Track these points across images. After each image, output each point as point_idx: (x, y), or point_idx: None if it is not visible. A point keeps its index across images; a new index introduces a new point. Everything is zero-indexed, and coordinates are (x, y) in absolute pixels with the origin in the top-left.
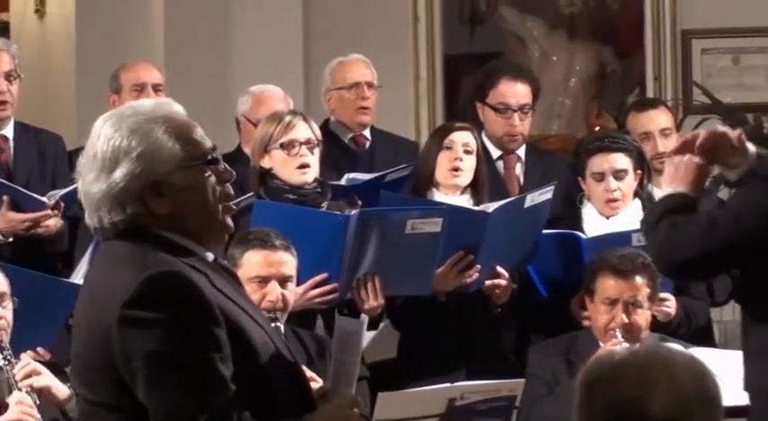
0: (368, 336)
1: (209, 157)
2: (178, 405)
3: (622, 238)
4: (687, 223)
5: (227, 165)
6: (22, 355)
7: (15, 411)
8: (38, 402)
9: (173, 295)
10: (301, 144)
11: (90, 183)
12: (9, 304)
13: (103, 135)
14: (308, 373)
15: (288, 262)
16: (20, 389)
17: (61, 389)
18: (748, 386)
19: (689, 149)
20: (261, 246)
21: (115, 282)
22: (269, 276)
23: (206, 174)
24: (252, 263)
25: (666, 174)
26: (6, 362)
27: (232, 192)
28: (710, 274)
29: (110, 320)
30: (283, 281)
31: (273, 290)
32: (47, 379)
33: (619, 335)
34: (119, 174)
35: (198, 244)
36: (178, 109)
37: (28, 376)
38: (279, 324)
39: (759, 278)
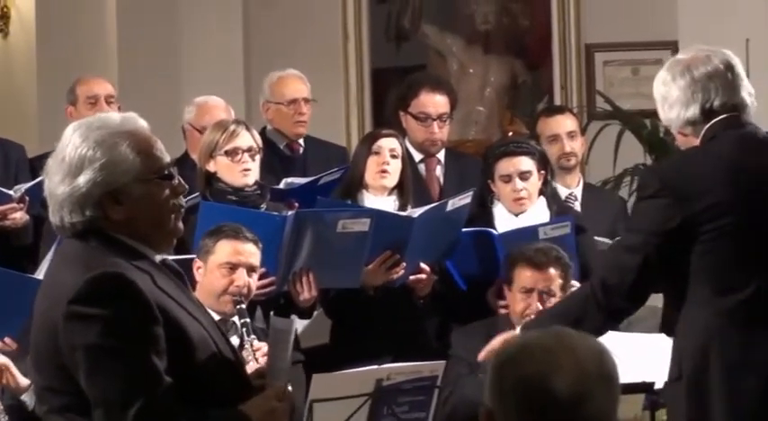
0: (303, 324)
1: (166, 172)
2: (114, 393)
3: (530, 232)
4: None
5: (181, 179)
6: None
7: None
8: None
9: (113, 294)
10: (244, 151)
11: (56, 184)
12: None
13: (72, 143)
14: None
15: (255, 253)
16: None
17: (20, 377)
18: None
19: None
20: (233, 236)
21: (65, 280)
22: (238, 263)
23: (161, 187)
24: (224, 251)
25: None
26: None
27: (184, 203)
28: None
29: (58, 314)
30: (250, 269)
31: (241, 276)
32: (5, 360)
33: None
34: (82, 180)
35: (148, 246)
36: (142, 124)
37: None
38: (243, 306)
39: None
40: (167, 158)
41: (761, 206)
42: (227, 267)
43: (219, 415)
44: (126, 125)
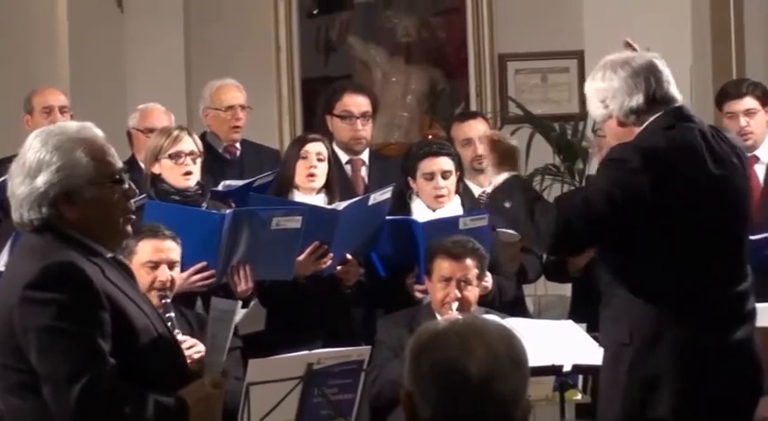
0: (240, 313)
1: (117, 177)
2: (61, 370)
3: (451, 222)
4: (565, 206)
5: (132, 184)
6: None
7: None
8: None
9: (64, 280)
10: (186, 155)
11: (17, 184)
12: None
13: (33, 147)
14: (192, 341)
15: (175, 249)
16: None
17: None
18: (605, 343)
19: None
20: (152, 236)
21: (21, 269)
22: (160, 261)
23: (113, 191)
24: (146, 250)
25: (492, 162)
26: None
27: (133, 207)
28: (590, 245)
29: (13, 299)
30: (171, 265)
31: (164, 272)
32: None
33: (454, 307)
34: (40, 181)
35: (99, 244)
36: (97, 133)
37: None
38: (168, 300)
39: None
40: (119, 164)
41: (727, 202)
42: (149, 266)
43: (158, 397)
44: (82, 133)
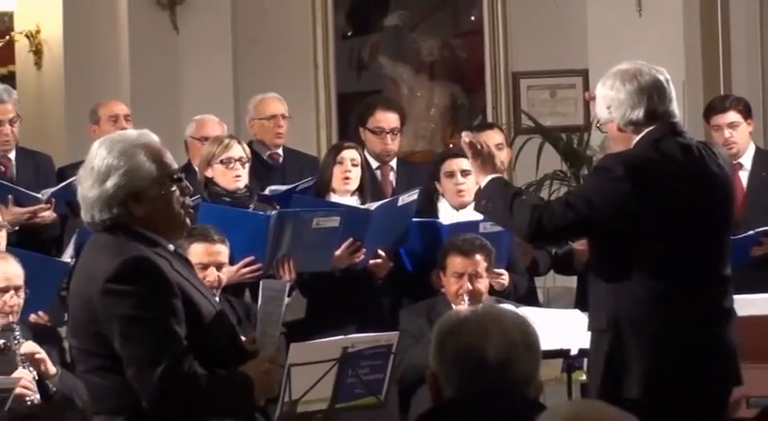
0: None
1: (175, 176)
2: (144, 354)
3: (472, 225)
4: (545, 205)
5: (188, 183)
6: (32, 316)
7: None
8: (36, 378)
9: (141, 273)
10: (236, 161)
11: (87, 189)
12: (22, 294)
13: (99, 154)
14: None
15: (223, 252)
16: (23, 367)
17: (51, 367)
18: (590, 328)
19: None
20: (203, 239)
21: (99, 264)
22: (209, 263)
23: (172, 188)
24: (196, 252)
25: (476, 169)
26: (15, 342)
27: (191, 202)
28: (563, 241)
29: (93, 291)
30: (219, 266)
31: (212, 273)
32: (43, 354)
33: (466, 298)
34: (109, 184)
35: (163, 237)
36: (155, 138)
37: (32, 354)
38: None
39: (603, 247)
40: (175, 165)
41: (705, 208)
42: (199, 267)
43: (227, 374)
44: (142, 139)
